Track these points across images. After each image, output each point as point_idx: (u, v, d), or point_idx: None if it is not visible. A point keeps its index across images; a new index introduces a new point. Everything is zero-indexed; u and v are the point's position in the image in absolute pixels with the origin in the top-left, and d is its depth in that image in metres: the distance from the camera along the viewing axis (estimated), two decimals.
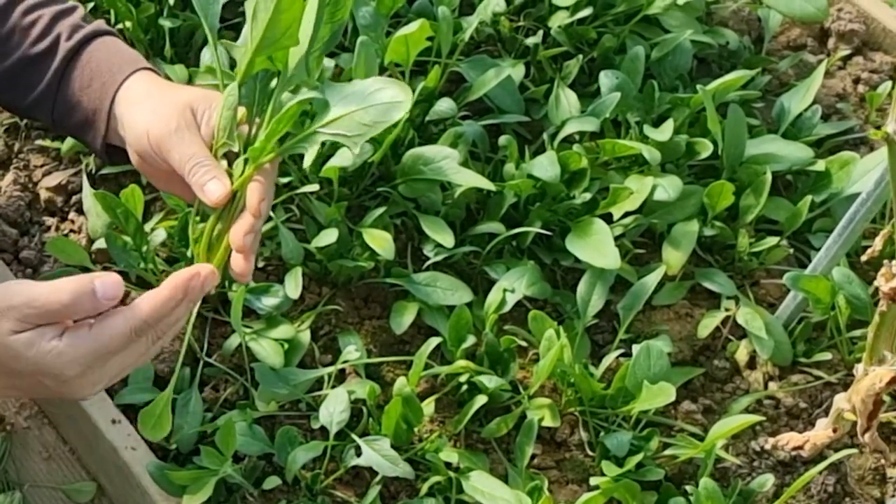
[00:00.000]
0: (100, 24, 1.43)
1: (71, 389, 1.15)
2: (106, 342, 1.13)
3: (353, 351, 1.59)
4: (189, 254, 1.64)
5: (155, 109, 1.29)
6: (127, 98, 1.34)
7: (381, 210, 1.67)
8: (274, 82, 1.25)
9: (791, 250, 1.76)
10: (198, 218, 1.28)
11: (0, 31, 1.40)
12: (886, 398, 1.41)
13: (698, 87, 1.74)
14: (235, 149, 1.24)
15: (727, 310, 1.68)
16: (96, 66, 1.38)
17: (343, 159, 1.64)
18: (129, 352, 1.16)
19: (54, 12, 1.42)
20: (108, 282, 1.12)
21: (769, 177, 1.71)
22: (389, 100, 1.17)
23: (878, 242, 1.53)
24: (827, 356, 1.66)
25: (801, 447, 1.54)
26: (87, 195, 1.71)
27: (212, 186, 1.22)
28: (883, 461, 1.59)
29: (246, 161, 1.23)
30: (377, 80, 1.19)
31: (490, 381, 1.53)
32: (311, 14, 1.18)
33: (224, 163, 1.26)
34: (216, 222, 1.25)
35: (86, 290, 1.11)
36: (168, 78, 1.78)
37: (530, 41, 1.91)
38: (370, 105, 1.18)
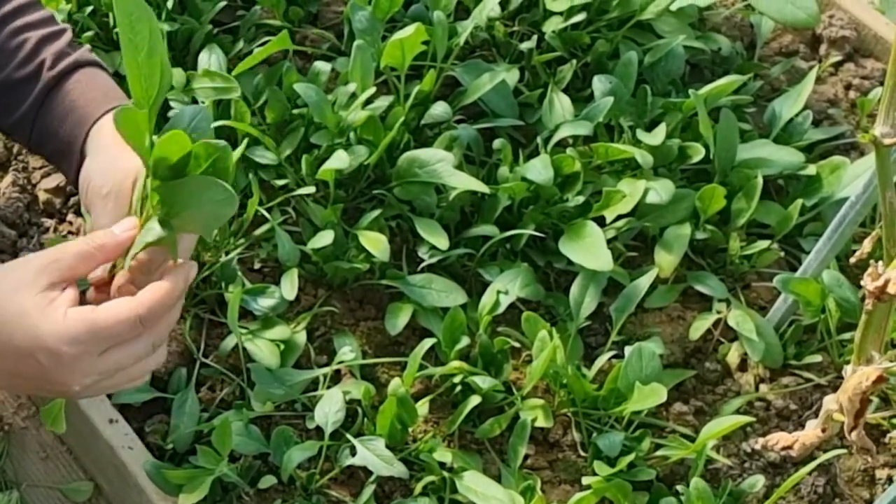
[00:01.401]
0: (84, 52, 1.43)
1: (60, 373, 1.13)
2: (108, 323, 1.12)
3: (348, 352, 1.60)
4: None
5: (104, 164, 1.28)
6: (94, 143, 1.34)
7: (376, 212, 1.69)
8: None
9: (782, 253, 1.77)
10: None
11: None
12: (874, 398, 1.42)
13: (691, 91, 1.76)
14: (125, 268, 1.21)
15: (719, 312, 1.70)
16: (74, 99, 1.38)
17: (339, 162, 1.65)
18: (128, 349, 1.17)
19: (41, 36, 1.41)
20: (124, 221, 1.18)
21: (760, 181, 1.73)
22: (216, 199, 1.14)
23: (866, 245, 1.54)
24: (817, 358, 1.67)
25: (790, 447, 1.55)
26: None
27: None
28: (870, 460, 1.61)
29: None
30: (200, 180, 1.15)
31: (484, 381, 1.54)
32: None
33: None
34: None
35: (104, 232, 1.16)
36: None
37: (525, 46, 1.92)
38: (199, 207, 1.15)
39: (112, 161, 1.29)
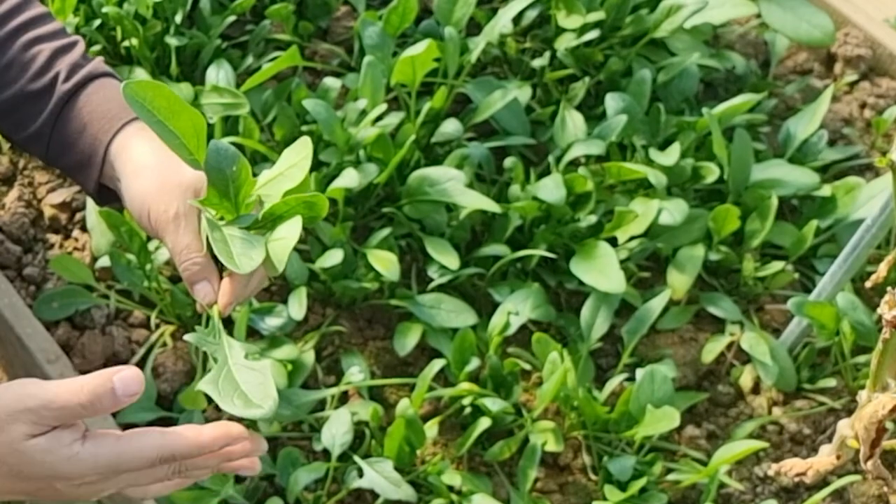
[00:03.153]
0: (98, 63, 1.42)
1: (81, 494, 1.09)
2: (128, 459, 1.07)
3: (356, 372, 1.59)
4: None
5: (157, 185, 1.26)
6: (126, 160, 1.31)
7: (385, 231, 1.67)
8: None
9: (796, 275, 1.75)
10: None
11: None
12: (889, 425, 1.40)
13: (704, 110, 1.74)
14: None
15: (732, 335, 1.68)
16: (91, 110, 1.37)
17: (349, 180, 1.64)
18: (148, 473, 1.11)
19: (54, 49, 1.40)
20: (127, 378, 1.05)
21: (775, 201, 1.71)
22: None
23: (882, 268, 1.52)
24: (831, 382, 1.65)
25: (804, 473, 1.53)
26: (92, 213, 1.71)
27: (201, 289, 1.19)
28: (886, 488, 1.58)
29: None
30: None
31: (493, 403, 1.52)
32: None
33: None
34: None
35: (105, 388, 1.04)
36: None
37: (537, 63, 1.91)
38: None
39: (167, 179, 1.26)
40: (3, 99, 1.38)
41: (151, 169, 1.28)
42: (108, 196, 1.37)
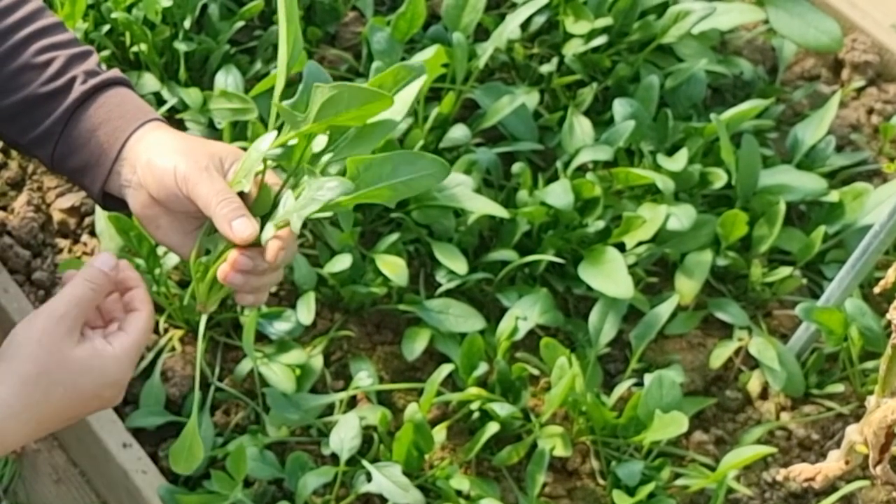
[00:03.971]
0: (115, 72, 1.43)
1: (117, 395, 1.21)
2: (143, 333, 1.22)
3: (364, 377, 1.59)
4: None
5: (184, 152, 1.29)
6: (147, 143, 1.33)
7: (394, 236, 1.67)
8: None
9: (804, 281, 1.75)
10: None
11: (9, 67, 1.39)
12: None
13: (712, 116, 1.75)
14: (247, 190, 1.24)
15: (740, 340, 1.68)
16: (109, 110, 1.37)
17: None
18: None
19: (69, 55, 1.41)
20: (103, 257, 1.24)
21: (783, 207, 1.71)
22: (422, 172, 1.16)
23: (890, 274, 1.52)
24: (839, 388, 1.65)
25: (812, 479, 1.52)
26: (101, 217, 1.71)
27: (240, 224, 1.22)
28: (895, 494, 1.58)
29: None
30: (403, 154, 1.17)
31: (502, 408, 1.52)
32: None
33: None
34: (218, 261, 1.25)
35: (94, 270, 1.22)
36: (183, 103, 1.80)
37: (544, 69, 1.91)
38: (397, 180, 1.17)
39: (192, 147, 1.29)
40: (13, 102, 1.38)
41: (173, 144, 1.31)
42: (111, 203, 1.37)
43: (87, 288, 1.20)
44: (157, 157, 1.30)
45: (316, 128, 1.17)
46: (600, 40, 1.88)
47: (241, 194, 1.24)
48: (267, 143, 1.21)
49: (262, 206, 1.24)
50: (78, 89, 1.38)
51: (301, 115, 1.16)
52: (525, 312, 1.63)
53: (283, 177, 1.25)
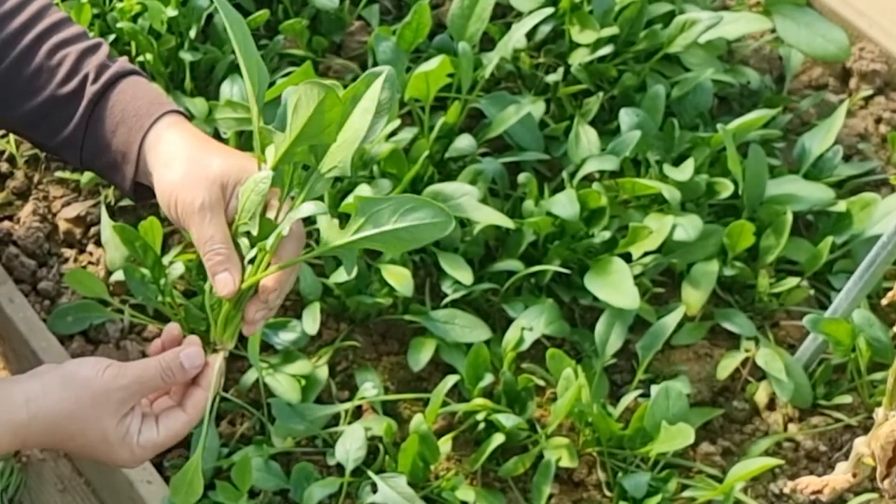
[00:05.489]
0: (124, 62, 1.44)
1: (126, 465, 1.26)
2: (170, 441, 1.25)
3: (370, 387, 1.59)
4: (207, 287, 1.63)
5: (185, 176, 1.29)
6: (159, 152, 1.34)
7: None
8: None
9: (811, 291, 1.74)
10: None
11: (26, 71, 1.40)
12: None
13: (719, 126, 1.74)
14: (254, 232, 1.24)
15: (747, 351, 1.67)
16: (122, 109, 1.38)
17: (362, 195, 1.63)
18: None
19: (80, 51, 1.42)
20: (192, 354, 1.24)
21: (790, 217, 1.70)
22: (425, 220, 1.17)
23: None
24: (847, 399, 1.64)
25: (819, 491, 1.52)
26: (106, 227, 1.71)
27: (222, 279, 1.25)
28: None
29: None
30: (410, 200, 1.17)
31: (507, 419, 1.52)
32: (359, 115, 1.20)
33: (244, 240, 1.26)
34: (233, 302, 1.27)
35: (176, 363, 1.23)
36: (188, 111, 1.79)
37: (550, 78, 1.91)
38: (402, 227, 1.18)
39: (195, 170, 1.29)
40: (35, 105, 1.39)
41: (181, 160, 1.31)
42: (145, 193, 1.39)
43: (158, 376, 1.22)
44: (162, 181, 1.31)
45: (292, 143, 1.18)
46: (606, 50, 1.88)
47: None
48: (264, 182, 1.22)
49: (263, 235, 1.25)
50: (90, 90, 1.38)
51: (280, 132, 1.18)
52: (531, 323, 1.63)
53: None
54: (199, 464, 1.27)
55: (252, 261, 1.24)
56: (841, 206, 1.77)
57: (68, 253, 1.78)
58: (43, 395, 1.20)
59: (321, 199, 1.25)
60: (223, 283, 1.25)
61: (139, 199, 1.40)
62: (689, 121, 1.88)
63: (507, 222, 1.66)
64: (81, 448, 1.23)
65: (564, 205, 1.68)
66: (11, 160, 1.88)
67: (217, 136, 1.79)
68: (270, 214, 1.25)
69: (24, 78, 1.40)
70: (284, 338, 1.62)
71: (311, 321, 1.61)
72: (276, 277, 1.25)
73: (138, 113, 1.37)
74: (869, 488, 1.55)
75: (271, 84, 1.84)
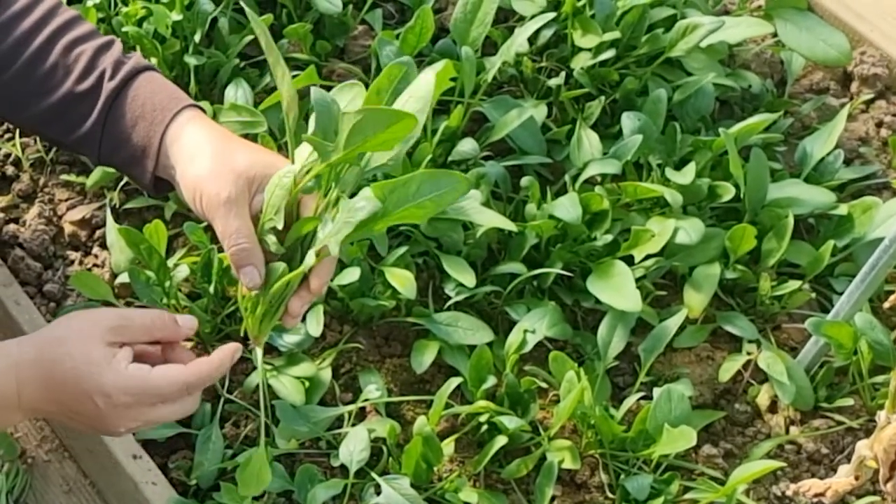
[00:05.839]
0: (139, 58, 1.45)
1: (112, 417, 1.25)
2: (161, 384, 1.24)
3: (373, 389, 1.59)
4: (212, 290, 1.64)
5: (210, 170, 1.31)
6: (182, 146, 1.35)
7: (403, 249, 1.68)
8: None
9: (813, 294, 1.75)
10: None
11: (42, 68, 1.41)
12: None
13: (720, 129, 1.75)
14: (280, 227, 1.26)
15: (749, 353, 1.68)
16: (141, 104, 1.39)
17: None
18: (173, 406, 1.28)
19: (95, 48, 1.43)
20: (186, 317, 1.30)
21: (791, 220, 1.71)
22: (442, 189, 1.20)
23: None
24: (849, 402, 1.65)
25: (822, 494, 1.53)
26: (111, 230, 1.72)
27: (248, 272, 1.29)
28: None
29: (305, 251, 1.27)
30: (425, 174, 1.21)
31: (510, 421, 1.52)
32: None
33: (271, 237, 1.27)
34: (276, 296, 1.30)
35: (170, 319, 1.28)
36: None
37: (553, 82, 1.91)
38: (423, 198, 1.20)
39: (221, 164, 1.31)
40: (53, 102, 1.40)
41: (206, 154, 1.32)
42: (163, 186, 1.40)
43: (147, 316, 1.26)
44: (186, 175, 1.33)
45: (346, 156, 1.19)
46: (608, 54, 1.88)
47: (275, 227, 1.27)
48: (287, 177, 1.24)
49: (294, 235, 1.26)
50: (107, 87, 1.39)
51: (331, 144, 1.18)
52: (533, 325, 1.63)
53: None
54: (265, 454, 1.35)
55: (288, 258, 1.27)
56: (842, 209, 1.77)
57: (73, 255, 1.79)
58: (35, 335, 1.27)
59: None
60: (249, 275, 1.28)
61: (158, 192, 1.42)
62: (691, 124, 1.88)
63: (509, 225, 1.67)
64: (68, 375, 1.22)
65: (567, 208, 1.69)
66: (17, 163, 1.88)
67: None
68: (307, 214, 1.27)
69: (39, 76, 1.41)
70: (288, 340, 1.62)
71: (314, 323, 1.62)
72: (325, 271, 1.29)
73: (157, 108, 1.38)
74: (871, 491, 1.55)
75: (274, 88, 1.86)
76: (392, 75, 1.27)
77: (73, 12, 1.48)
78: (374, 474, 1.50)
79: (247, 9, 1.31)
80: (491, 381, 1.57)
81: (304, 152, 1.27)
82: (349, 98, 1.32)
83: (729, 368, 1.66)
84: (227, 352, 1.29)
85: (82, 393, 1.23)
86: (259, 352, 1.35)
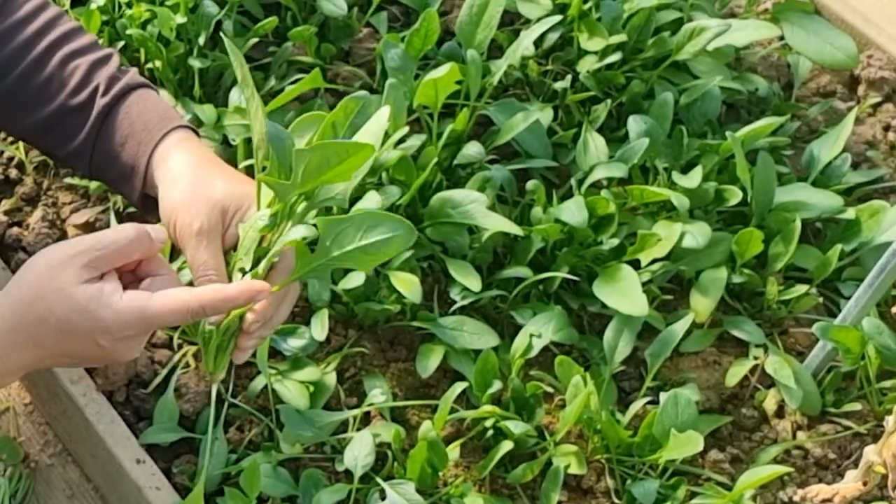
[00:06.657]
0: (134, 75, 1.44)
1: (119, 350, 1.20)
2: (163, 312, 1.19)
3: (378, 394, 1.58)
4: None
5: (186, 198, 1.30)
6: (165, 169, 1.35)
7: (408, 253, 1.67)
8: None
9: (820, 299, 1.74)
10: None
11: (37, 80, 1.40)
12: None
13: (727, 133, 1.74)
14: (248, 268, 1.25)
15: (755, 358, 1.67)
16: (132, 122, 1.39)
17: (371, 202, 1.64)
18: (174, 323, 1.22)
19: (91, 62, 1.42)
20: (158, 229, 1.23)
21: (798, 224, 1.70)
22: (388, 234, 1.20)
23: None
24: (856, 406, 1.64)
25: (830, 500, 1.52)
26: None
27: None
28: None
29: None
30: (370, 216, 1.21)
31: (516, 426, 1.52)
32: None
33: (238, 276, 1.28)
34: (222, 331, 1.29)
35: (144, 232, 1.20)
36: (197, 118, 1.80)
37: (559, 85, 1.91)
38: (367, 243, 1.20)
39: (196, 193, 1.30)
40: (45, 115, 1.40)
41: (184, 181, 1.31)
42: (153, 205, 1.39)
43: (121, 237, 1.19)
44: (165, 199, 1.33)
45: (303, 189, 1.20)
46: (615, 57, 1.88)
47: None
48: (263, 221, 1.24)
49: (255, 263, 1.27)
50: (99, 103, 1.39)
51: (287, 182, 1.18)
52: (539, 330, 1.62)
53: None
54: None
55: None
56: (850, 213, 1.76)
57: None
58: (3, 294, 1.19)
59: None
60: None
61: (147, 210, 1.41)
62: (698, 128, 1.88)
63: (515, 229, 1.66)
64: (63, 328, 1.17)
65: (573, 212, 1.68)
66: (20, 166, 1.88)
67: (226, 143, 1.80)
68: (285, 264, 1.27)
69: (36, 87, 1.40)
70: (293, 344, 1.62)
71: (319, 328, 1.61)
72: (261, 308, 1.25)
73: (147, 127, 1.38)
74: (879, 497, 1.54)
75: (279, 91, 1.85)
76: (348, 109, 1.26)
77: (74, 24, 1.47)
78: (378, 479, 1.49)
79: (226, 40, 1.29)
80: (496, 385, 1.57)
81: (269, 193, 1.27)
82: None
83: (736, 373, 1.65)
84: (250, 286, 1.22)
85: (81, 341, 1.19)
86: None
